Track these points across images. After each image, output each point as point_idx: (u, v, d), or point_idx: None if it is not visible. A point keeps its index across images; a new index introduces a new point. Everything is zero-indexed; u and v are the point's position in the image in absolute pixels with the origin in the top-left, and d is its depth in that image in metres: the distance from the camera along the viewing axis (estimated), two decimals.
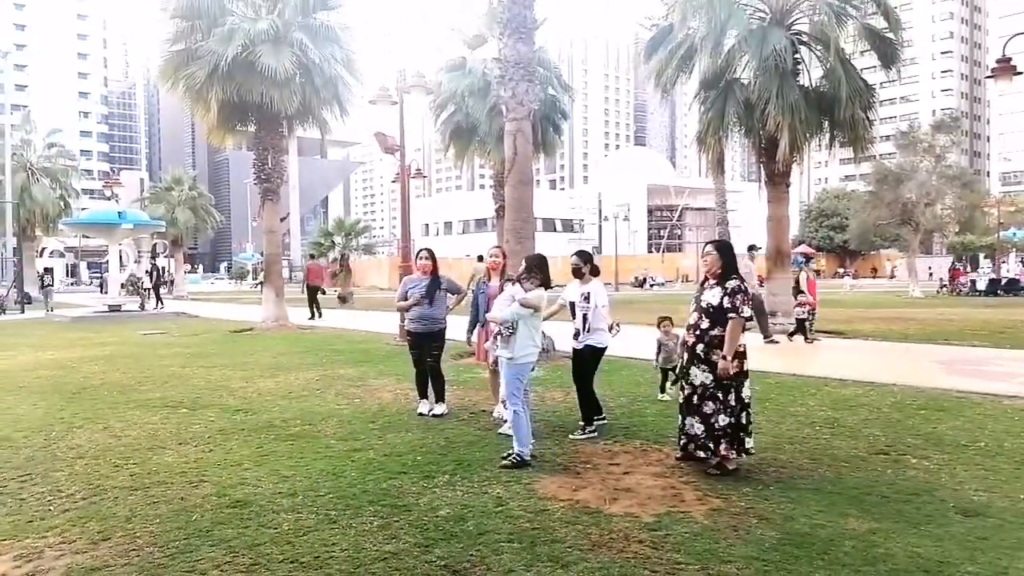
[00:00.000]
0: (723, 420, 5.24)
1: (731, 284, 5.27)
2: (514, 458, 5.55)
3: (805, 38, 16.44)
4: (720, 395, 5.26)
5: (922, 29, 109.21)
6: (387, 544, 4.03)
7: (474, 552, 3.91)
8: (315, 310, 22.18)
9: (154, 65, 27.80)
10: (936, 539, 4.02)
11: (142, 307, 26.52)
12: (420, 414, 7.42)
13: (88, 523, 4.44)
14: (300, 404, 8.17)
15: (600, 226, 62.64)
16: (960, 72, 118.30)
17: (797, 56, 15.92)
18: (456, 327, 7.93)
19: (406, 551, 3.94)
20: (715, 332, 5.28)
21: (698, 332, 5.37)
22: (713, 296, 5.33)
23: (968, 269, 44.13)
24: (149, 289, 29.17)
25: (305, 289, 22.94)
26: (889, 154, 39.47)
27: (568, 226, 73.43)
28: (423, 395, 7.62)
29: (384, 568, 3.73)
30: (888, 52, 16.06)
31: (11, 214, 35.07)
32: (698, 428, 5.36)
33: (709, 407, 5.29)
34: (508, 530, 4.22)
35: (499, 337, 5.87)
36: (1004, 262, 47.15)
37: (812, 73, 16.47)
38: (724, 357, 5.15)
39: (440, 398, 7.56)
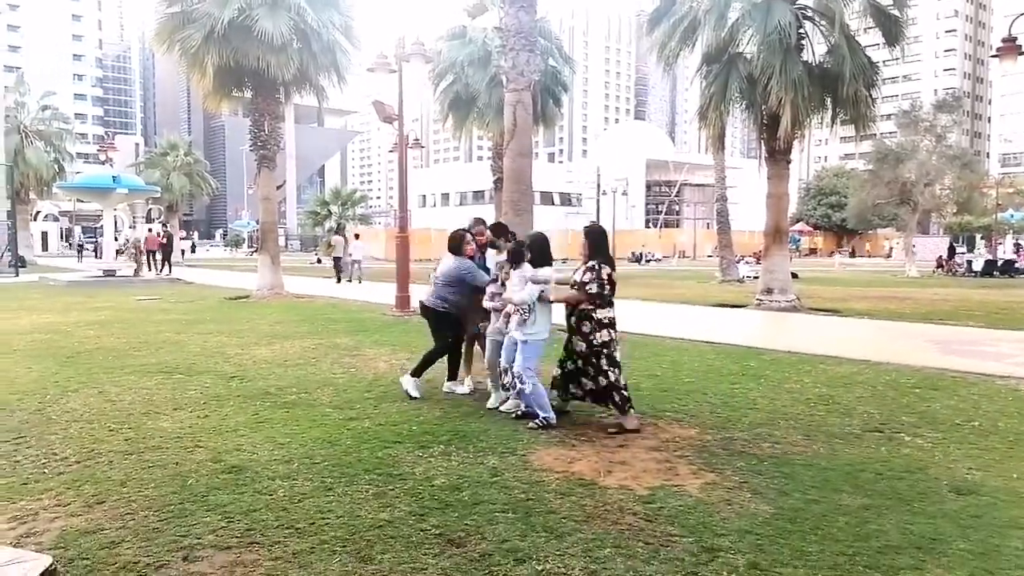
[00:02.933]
0: (603, 381, 5.89)
1: (590, 262, 5.97)
2: (541, 420, 5.83)
3: (810, 13, 16.24)
4: (593, 360, 5.92)
5: (926, 7, 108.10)
6: (382, 512, 4.04)
7: (469, 521, 3.92)
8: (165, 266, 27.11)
9: (149, 27, 27.38)
10: (929, 516, 4.04)
11: (136, 273, 26.31)
12: (447, 393, 7.13)
13: (83, 486, 4.44)
14: (296, 372, 8.16)
15: (598, 200, 62.45)
16: (963, 52, 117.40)
17: (801, 31, 15.74)
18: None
19: (401, 519, 3.95)
20: (583, 306, 5.91)
21: (569, 307, 6.06)
22: (578, 274, 6.02)
23: (965, 250, 44.15)
24: (148, 254, 29.49)
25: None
26: (890, 133, 39.30)
27: (566, 200, 73.16)
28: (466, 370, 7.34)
29: (379, 535, 3.73)
30: (892, 30, 15.89)
31: (4, 177, 34.74)
32: (586, 388, 6.03)
33: (590, 371, 5.96)
34: (503, 500, 4.23)
35: (512, 318, 6.02)
36: (1000, 243, 47.19)
37: (816, 49, 16.30)
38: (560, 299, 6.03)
39: (453, 376, 7.36)
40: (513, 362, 5.98)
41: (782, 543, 3.67)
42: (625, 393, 5.87)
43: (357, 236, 29.21)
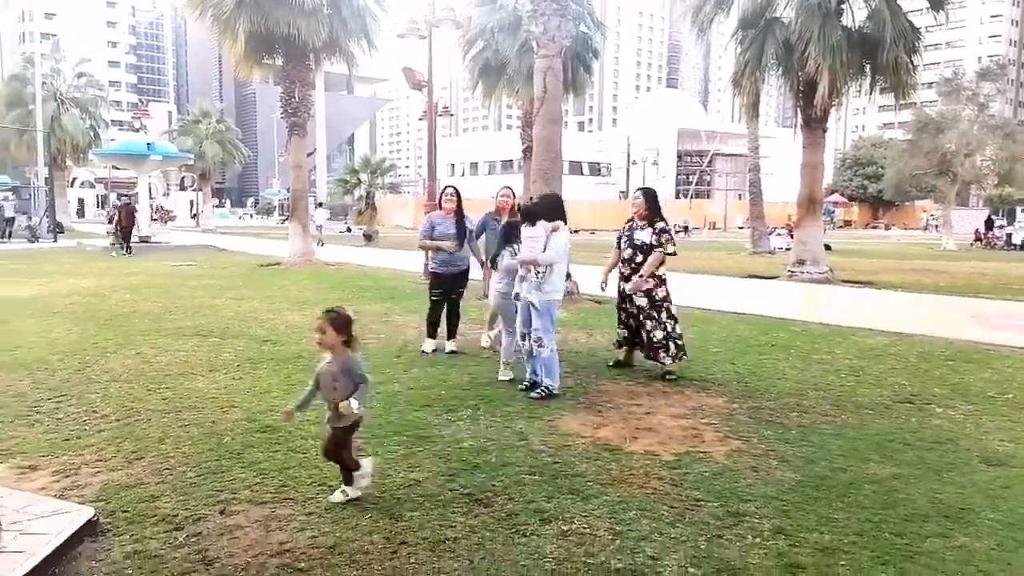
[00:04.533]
0: (659, 334, 6.42)
1: (659, 225, 6.46)
2: (542, 391, 5.76)
3: None
4: (655, 314, 6.44)
5: None
6: (411, 472, 4.12)
7: (496, 482, 3.98)
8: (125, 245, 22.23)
9: None
10: (958, 486, 4.01)
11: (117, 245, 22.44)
12: (423, 352, 7.40)
13: (122, 443, 4.58)
14: None
15: (628, 170, 61.83)
16: (1011, 18, 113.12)
17: None
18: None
19: (430, 479, 4.03)
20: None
21: (633, 266, 6.50)
22: (645, 235, 6.47)
23: (1005, 223, 42.97)
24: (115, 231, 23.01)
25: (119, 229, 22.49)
26: (931, 102, 38.19)
27: (595, 169, 72.50)
28: (432, 335, 7.56)
29: (408, 494, 3.82)
30: None
31: (42, 143, 35.36)
32: (644, 341, 6.53)
33: (649, 325, 6.45)
34: (530, 463, 4.29)
35: (527, 278, 5.91)
36: None
37: (856, 14, 15.84)
38: (640, 275, 6.39)
39: (452, 335, 7.61)
40: (531, 326, 5.92)
41: (808, 509, 3.68)
42: (680, 342, 6.46)
43: (320, 205, 34.91)
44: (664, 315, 6.45)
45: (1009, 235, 35.32)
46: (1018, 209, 59.27)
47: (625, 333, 6.72)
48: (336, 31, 17.87)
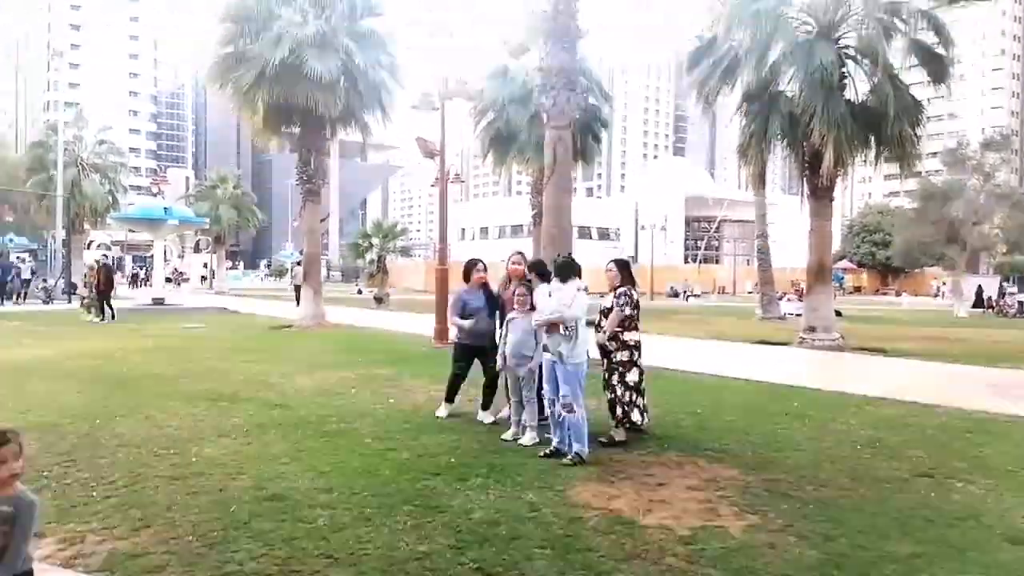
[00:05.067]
0: (607, 395, 6.58)
1: (620, 289, 6.59)
2: (575, 457, 5.80)
3: (852, 52, 16.16)
4: (606, 375, 6.58)
5: (972, 45, 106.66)
6: (421, 544, 4.05)
7: (507, 556, 3.90)
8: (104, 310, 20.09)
9: (203, 66, 28.42)
10: (982, 566, 3.90)
11: (94, 310, 20.40)
12: (439, 417, 7.37)
13: (129, 510, 4.53)
14: (336, 402, 8.25)
15: (636, 235, 62.32)
16: (1011, 90, 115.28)
17: (843, 70, 15.66)
18: None
19: (439, 552, 3.95)
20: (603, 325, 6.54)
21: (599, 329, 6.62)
22: (607, 301, 6.61)
23: (1016, 289, 42.73)
24: (90, 296, 21.07)
25: (96, 292, 20.37)
26: (936, 171, 38.57)
27: (604, 234, 73.06)
28: (450, 399, 7.52)
29: (418, 568, 3.74)
30: (938, 68, 15.72)
31: (62, 207, 36.07)
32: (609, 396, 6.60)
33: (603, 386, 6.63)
34: (541, 536, 4.20)
35: (560, 337, 5.98)
36: None
37: (859, 87, 16.18)
38: (604, 332, 6.49)
39: (487, 405, 7.43)
40: (558, 391, 5.97)
41: None
42: (627, 409, 6.50)
43: (299, 263, 33.13)
44: (615, 378, 6.51)
45: (1021, 303, 35.09)
46: None
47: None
48: (352, 103, 18.39)
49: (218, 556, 3.84)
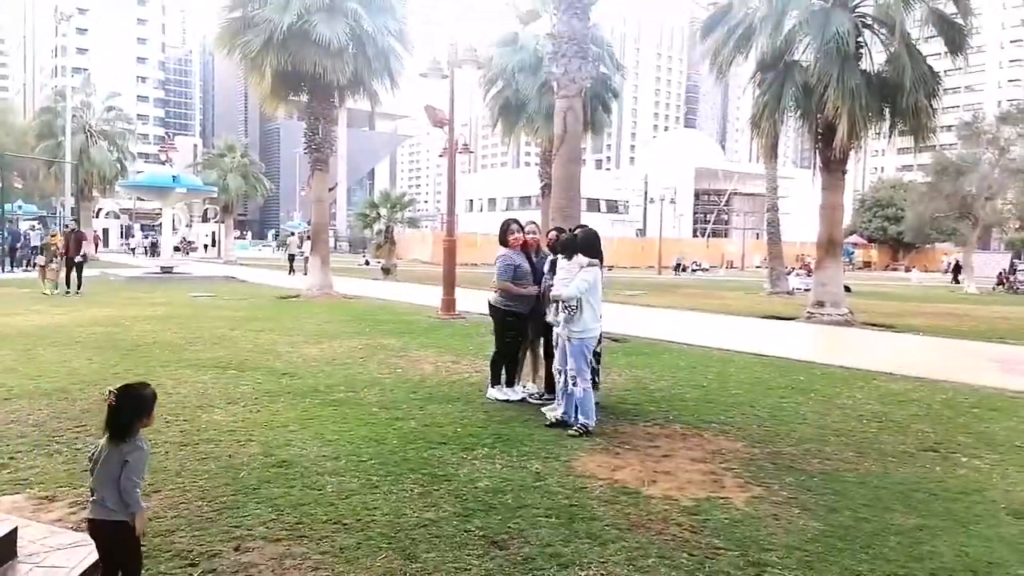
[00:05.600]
0: None
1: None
2: (579, 428, 5.83)
3: (869, 20, 15.90)
4: None
5: (991, 16, 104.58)
6: (427, 511, 4.09)
7: (512, 524, 3.94)
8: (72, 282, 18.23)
9: (211, 32, 28.15)
10: (985, 540, 3.91)
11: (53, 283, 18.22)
12: (523, 398, 6.93)
13: None
14: (344, 371, 8.30)
15: (645, 208, 62.04)
16: None
17: (860, 39, 15.42)
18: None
19: (445, 519, 3.99)
20: None
21: None
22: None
23: None
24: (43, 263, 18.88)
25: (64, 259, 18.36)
26: (950, 145, 38.10)
27: (613, 207, 72.82)
28: (511, 381, 7.06)
29: (424, 534, 3.78)
30: (956, 38, 15.45)
31: (70, 175, 36.11)
32: None
33: None
34: (546, 505, 4.24)
35: (560, 314, 6.00)
36: None
37: (875, 57, 15.94)
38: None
39: (511, 382, 7.11)
40: (566, 363, 6.03)
41: (831, 561, 3.60)
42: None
43: (298, 236, 36.32)
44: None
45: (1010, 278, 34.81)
46: None
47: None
48: (361, 70, 18.22)
49: (227, 521, 3.89)
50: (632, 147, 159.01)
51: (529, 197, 56.76)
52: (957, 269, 40.33)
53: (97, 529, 2.82)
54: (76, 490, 4.29)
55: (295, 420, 6.02)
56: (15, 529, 3.25)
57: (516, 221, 7.14)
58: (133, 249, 54.07)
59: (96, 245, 41.54)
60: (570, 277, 5.98)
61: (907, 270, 60.70)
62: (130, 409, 2.79)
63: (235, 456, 5.01)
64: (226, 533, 3.74)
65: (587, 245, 6.12)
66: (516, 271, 6.86)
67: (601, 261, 6.18)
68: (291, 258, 32.48)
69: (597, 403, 6.17)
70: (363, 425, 5.91)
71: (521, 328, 6.97)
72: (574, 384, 5.92)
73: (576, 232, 6.34)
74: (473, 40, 15.96)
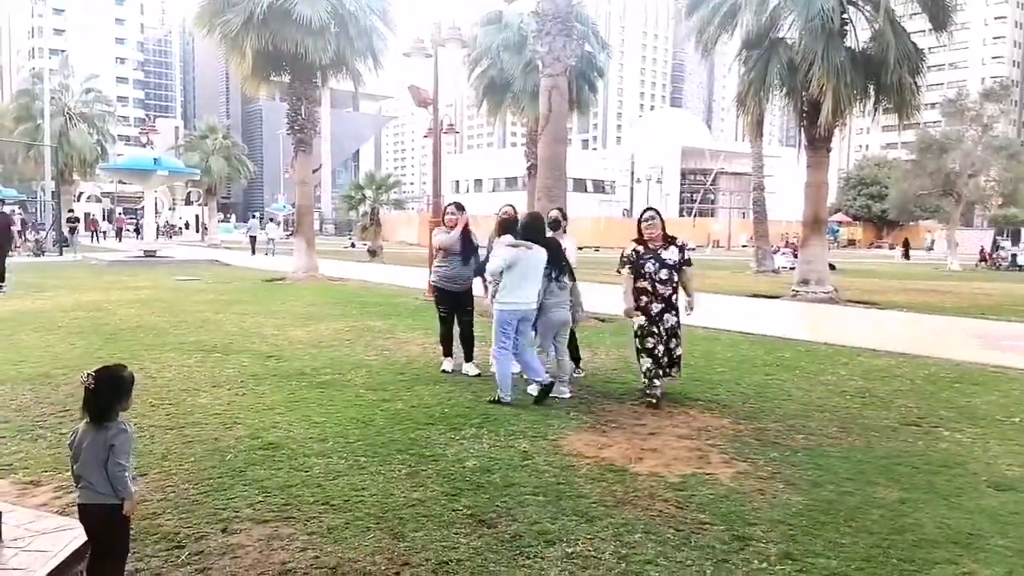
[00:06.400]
0: (679, 351, 6.36)
1: (680, 242, 6.46)
2: (543, 388, 6.20)
3: None
4: (679, 331, 6.35)
5: None
6: (415, 491, 4.10)
7: (500, 503, 3.95)
8: None
9: (190, 12, 27.75)
10: (967, 512, 3.97)
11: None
12: (444, 371, 7.36)
13: None
14: (330, 353, 8.28)
15: (632, 188, 62.04)
16: (1013, 39, 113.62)
17: (845, 16, 15.40)
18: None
19: (433, 499, 4.00)
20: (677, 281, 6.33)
21: (660, 285, 6.23)
22: (673, 254, 6.31)
23: (1009, 243, 42.98)
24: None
25: None
26: (934, 122, 38.29)
27: (599, 187, 72.67)
28: (448, 352, 7.50)
29: (412, 514, 3.79)
30: (940, 14, 15.47)
31: (50, 158, 35.60)
32: (664, 358, 6.27)
33: (673, 343, 6.30)
34: (534, 483, 4.26)
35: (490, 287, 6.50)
36: None
37: (859, 35, 15.94)
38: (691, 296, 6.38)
39: (469, 357, 7.42)
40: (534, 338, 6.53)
41: (815, 534, 3.64)
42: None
43: (272, 220, 38.35)
44: (682, 331, 6.43)
45: (1014, 255, 35.22)
46: (1023, 230, 59.22)
47: (650, 364, 6.18)
48: (343, 49, 18.03)
49: (214, 503, 3.88)
50: (619, 127, 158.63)
51: (516, 178, 56.55)
52: (907, 245, 44.70)
53: (87, 513, 2.81)
54: (61, 474, 4.26)
55: (281, 403, 6.01)
56: None
57: (454, 203, 7.59)
58: (103, 233, 52.74)
59: (75, 229, 41.20)
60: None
61: (891, 247, 61.22)
62: (108, 392, 2.77)
63: (221, 439, 4.99)
64: (213, 515, 3.73)
65: (525, 227, 6.46)
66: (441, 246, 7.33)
67: (544, 243, 6.37)
68: (253, 240, 33.88)
69: (576, 379, 6.80)
70: (350, 407, 5.91)
71: (449, 303, 7.38)
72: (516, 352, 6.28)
73: (516, 216, 6.83)
74: (457, 18, 15.79)
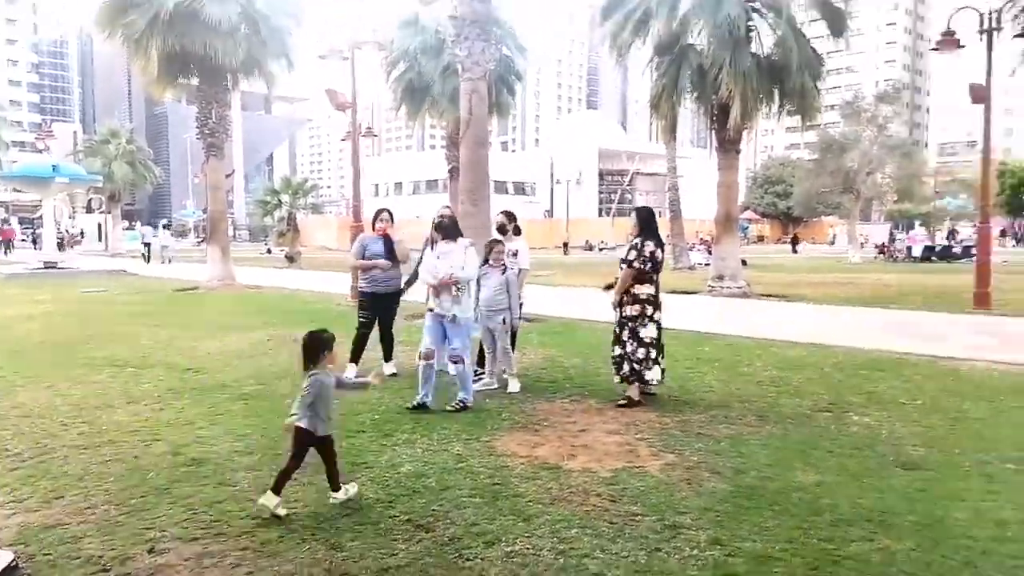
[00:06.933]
0: (616, 350, 6.31)
1: (635, 240, 6.32)
2: (459, 403, 6.05)
3: (758, 5, 16.54)
4: (617, 330, 6.33)
5: (867, 1, 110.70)
6: (350, 500, 4.05)
7: (437, 507, 3.96)
8: None
9: (88, 12, 26.43)
10: (878, 491, 4.22)
11: None
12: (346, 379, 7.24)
13: (38, 481, 4.34)
14: (252, 364, 8.06)
15: (552, 189, 62.70)
16: (903, 44, 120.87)
17: (750, 23, 16.04)
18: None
19: (369, 506, 3.97)
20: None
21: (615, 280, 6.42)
22: (624, 251, 6.42)
23: (905, 236, 45.72)
24: None
25: None
26: (833, 123, 40.31)
27: (520, 189, 73.09)
28: (355, 359, 7.33)
29: (348, 523, 3.75)
30: (837, 22, 16.31)
31: None
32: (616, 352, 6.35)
33: (611, 338, 6.41)
34: (470, 486, 4.28)
35: (442, 299, 6.14)
36: (939, 230, 48.89)
37: (764, 41, 16.63)
38: (615, 293, 6.34)
39: (389, 357, 7.49)
40: (447, 343, 6.18)
41: (741, 519, 3.80)
42: (637, 367, 6.20)
43: (167, 225, 40.28)
44: (626, 333, 6.24)
45: (909, 248, 37.44)
46: (916, 223, 63.03)
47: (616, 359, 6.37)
48: (255, 51, 17.57)
49: (139, 523, 3.73)
50: (537, 128, 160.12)
51: (436, 180, 56.30)
52: (795, 240, 49.30)
53: (300, 434, 3.94)
54: None
55: (203, 416, 5.82)
56: None
57: (386, 210, 7.56)
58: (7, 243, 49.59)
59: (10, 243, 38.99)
60: (458, 261, 6.12)
61: (794, 243, 64.01)
62: (313, 347, 4.03)
63: (141, 457, 4.80)
64: (138, 535, 3.59)
65: (455, 226, 6.47)
66: (364, 251, 7.36)
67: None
68: (147, 247, 33.16)
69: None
70: (276, 417, 5.71)
71: (371, 307, 7.39)
72: (458, 362, 6.12)
73: (449, 217, 6.59)
74: (374, 21, 15.64)
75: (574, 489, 4.23)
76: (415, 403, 6.04)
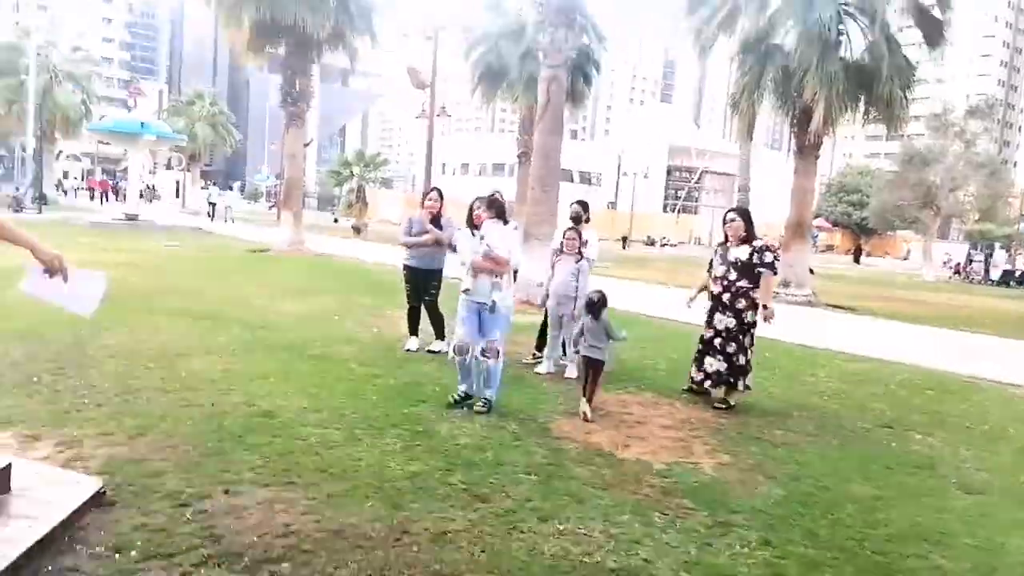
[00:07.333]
0: (742, 359, 6.17)
1: (758, 243, 6.20)
2: (485, 403, 5.45)
3: (851, 9, 16.07)
4: (740, 338, 6.18)
5: (965, 10, 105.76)
6: (410, 464, 4.22)
7: (493, 480, 4.09)
8: None
9: None
10: (937, 511, 4.18)
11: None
12: (407, 350, 7.40)
13: (123, 418, 4.63)
14: (320, 327, 8.35)
15: (618, 181, 62.17)
16: (1000, 58, 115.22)
17: (841, 27, 15.61)
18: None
19: (428, 472, 4.12)
20: (741, 283, 6.14)
21: (725, 283, 6.21)
22: (741, 252, 6.16)
23: (983, 258, 43.89)
24: None
25: None
26: (918, 134, 38.85)
27: (585, 178, 72.67)
28: (413, 332, 7.62)
29: (408, 486, 3.91)
30: (933, 31, 15.77)
31: (33, 115, 34.92)
32: (720, 366, 6.18)
33: (732, 348, 6.17)
34: (525, 463, 4.40)
35: (480, 278, 5.52)
36: (1021, 254, 46.75)
37: (854, 46, 16.16)
38: (765, 306, 6.17)
39: (440, 335, 7.56)
40: (484, 334, 5.52)
41: (793, 524, 3.82)
42: (740, 374, 6.17)
43: (242, 188, 38.95)
44: (748, 340, 6.21)
45: (987, 270, 35.91)
46: (996, 245, 60.35)
47: (696, 373, 6.36)
48: (341, 25, 17.94)
49: (216, 465, 3.97)
50: (607, 119, 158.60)
51: (503, 164, 56.47)
52: (859, 252, 48.59)
53: (593, 361, 5.52)
54: (60, 430, 4.32)
55: (274, 372, 6.08)
56: (9, 464, 3.28)
57: (436, 188, 7.87)
58: (104, 194, 51.77)
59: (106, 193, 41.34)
60: (494, 241, 5.46)
61: (867, 255, 62.02)
62: (600, 302, 5.57)
63: (218, 404, 5.07)
64: (214, 477, 3.82)
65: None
66: (411, 228, 7.58)
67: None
68: (212, 206, 35.77)
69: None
70: (343, 381, 6.00)
71: (414, 282, 7.61)
72: (495, 357, 5.47)
73: (494, 195, 5.87)
74: (457, 3, 15.80)
75: (627, 477, 4.31)
76: (458, 396, 5.55)
